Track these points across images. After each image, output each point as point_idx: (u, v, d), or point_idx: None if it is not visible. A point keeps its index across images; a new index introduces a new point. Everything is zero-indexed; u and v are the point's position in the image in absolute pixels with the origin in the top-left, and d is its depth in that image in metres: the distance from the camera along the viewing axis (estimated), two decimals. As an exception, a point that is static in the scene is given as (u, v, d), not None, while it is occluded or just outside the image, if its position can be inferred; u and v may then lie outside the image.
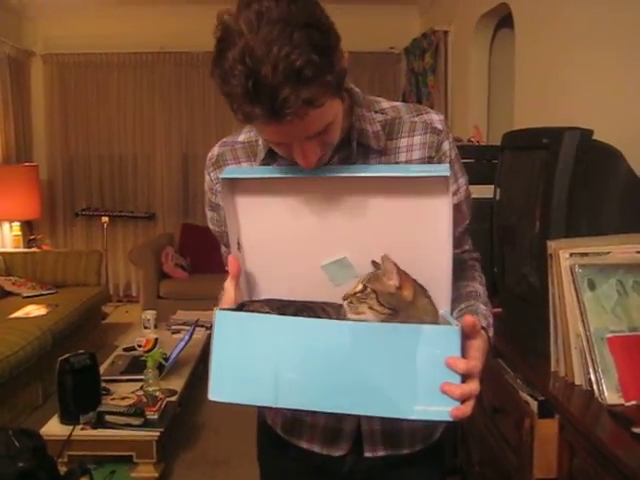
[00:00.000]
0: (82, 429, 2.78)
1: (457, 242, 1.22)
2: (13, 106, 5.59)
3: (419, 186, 0.98)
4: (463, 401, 0.89)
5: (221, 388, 0.93)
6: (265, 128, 0.92)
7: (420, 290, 0.98)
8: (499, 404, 1.92)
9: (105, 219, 5.96)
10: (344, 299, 0.98)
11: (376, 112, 1.14)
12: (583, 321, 1.57)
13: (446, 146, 1.15)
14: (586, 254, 1.63)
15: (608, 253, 1.64)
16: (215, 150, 1.23)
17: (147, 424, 2.79)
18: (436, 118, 1.15)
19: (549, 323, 1.71)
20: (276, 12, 0.83)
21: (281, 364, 0.91)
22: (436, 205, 0.97)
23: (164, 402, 2.97)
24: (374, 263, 1.01)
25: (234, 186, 1.04)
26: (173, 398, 3.10)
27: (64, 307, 4.25)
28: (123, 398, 3.01)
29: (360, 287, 0.97)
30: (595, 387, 1.52)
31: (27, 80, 6.01)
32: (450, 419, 0.89)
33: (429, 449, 1.28)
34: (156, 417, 2.82)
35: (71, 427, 2.76)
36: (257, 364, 0.91)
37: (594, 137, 1.75)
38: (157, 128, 6.17)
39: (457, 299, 1.13)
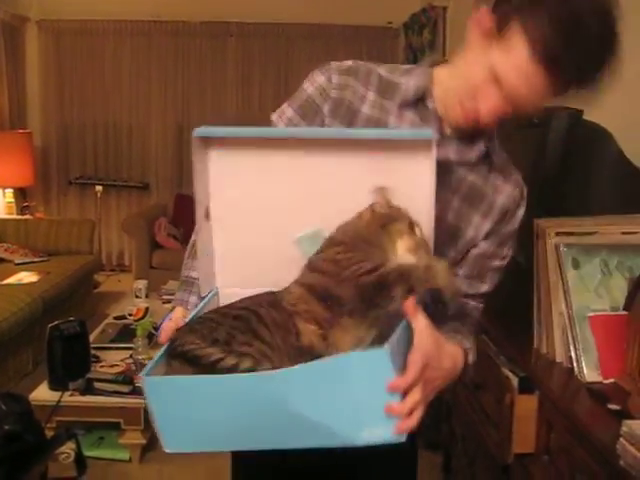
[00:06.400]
0: (71, 395, 2.80)
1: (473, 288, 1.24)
2: (7, 72, 5.53)
3: (403, 150, 0.98)
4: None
5: (173, 441, 0.93)
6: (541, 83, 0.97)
7: None
8: (481, 380, 1.94)
9: (99, 188, 5.93)
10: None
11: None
12: (566, 299, 1.59)
13: (520, 212, 1.18)
14: (572, 233, 1.65)
15: (594, 233, 1.65)
16: (348, 62, 1.14)
17: (135, 391, 2.81)
18: (520, 181, 1.20)
19: (533, 301, 1.73)
20: None
21: (222, 416, 0.90)
22: (419, 171, 0.96)
23: (153, 371, 2.98)
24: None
25: (208, 143, 1.01)
26: (162, 367, 3.11)
27: (56, 275, 4.26)
28: (112, 366, 3.03)
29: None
30: (575, 365, 1.54)
31: (22, 46, 5.93)
32: (401, 439, 0.88)
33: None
34: (144, 385, 2.84)
35: (60, 393, 2.78)
36: (199, 418, 0.91)
37: (585, 117, 1.76)
38: (153, 97, 6.11)
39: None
